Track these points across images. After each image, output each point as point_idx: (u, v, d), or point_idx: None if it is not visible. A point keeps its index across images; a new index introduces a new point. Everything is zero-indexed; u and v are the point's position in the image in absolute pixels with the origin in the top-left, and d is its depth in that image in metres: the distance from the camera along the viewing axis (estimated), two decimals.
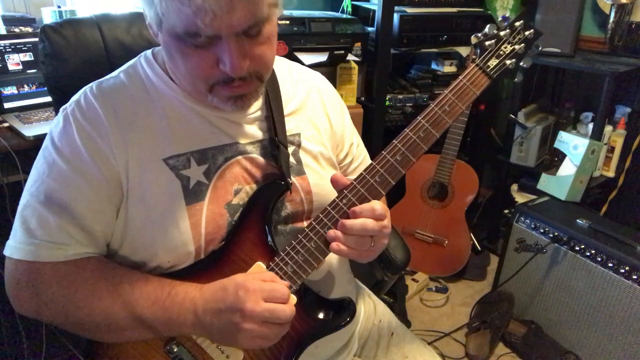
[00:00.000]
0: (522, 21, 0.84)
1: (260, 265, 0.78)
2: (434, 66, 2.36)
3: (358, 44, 1.93)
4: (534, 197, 2.08)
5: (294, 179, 0.86)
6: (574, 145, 1.97)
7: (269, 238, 0.80)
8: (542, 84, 2.42)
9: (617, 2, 2.00)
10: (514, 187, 2.31)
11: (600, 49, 2.18)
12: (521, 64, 0.84)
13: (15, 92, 1.58)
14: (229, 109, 0.77)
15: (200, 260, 0.79)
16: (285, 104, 0.88)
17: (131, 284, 0.74)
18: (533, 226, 1.90)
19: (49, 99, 1.59)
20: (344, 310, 0.82)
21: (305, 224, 0.88)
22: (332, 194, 0.82)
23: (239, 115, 0.83)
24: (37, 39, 1.56)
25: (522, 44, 0.83)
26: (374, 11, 1.99)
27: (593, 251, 1.69)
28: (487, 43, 0.82)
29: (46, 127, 1.42)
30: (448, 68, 2.30)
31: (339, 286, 0.92)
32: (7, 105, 1.55)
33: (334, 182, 0.80)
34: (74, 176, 0.74)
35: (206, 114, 0.80)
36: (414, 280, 2.20)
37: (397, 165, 0.78)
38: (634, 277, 1.58)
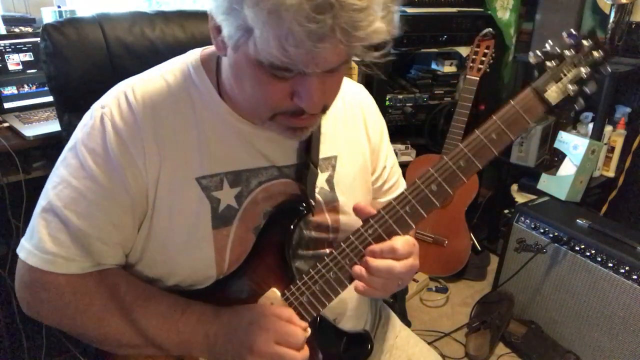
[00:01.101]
0: (590, 41, 0.71)
1: (274, 292, 0.75)
2: (434, 66, 2.36)
3: None
4: (534, 197, 2.08)
5: (323, 206, 0.81)
6: (574, 145, 1.97)
7: (289, 264, 0.76)
8: None
9: (617, 2, 2.00)
10: (514, 187, 2.31)
11: None
12: (585, 89, 0.72)
13: (15, 92, 1.58)
14: (285, 137, 0.72)
15: (217, 280, 0.76)
16: (324, 120, 0.81)
17: (146, 300, 0.72)
18: (533, 226, 1.90)
19: (49, 99, 1.60)
20: (360, 345, 0.79)
21: (327, 250, 0.83)
22: (360, 223, 0.78)
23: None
24: (37, 39, 1.56)
25: (588, 68, 0.70)
26: None
27: (593, 251, 1.69)
28: (548, 64, 0.70)
29: (46, 127, 1.43)
30: (448, 68, 2.30)
31: (353, 303, 0.89)
32: (7, 105, 1.55)
33: (357, 211, 0.73)
34: (101, 184, 0.69)
35: (247, 132, 0.75)
36: (414, 280, 2.20)
37: (430, 196, 0.70)
38: (634, 277, 1.58)
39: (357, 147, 0.87)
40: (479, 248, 2.36)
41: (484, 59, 1.94)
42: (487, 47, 1.95)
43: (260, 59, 0.57)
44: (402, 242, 0.71)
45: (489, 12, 2.24)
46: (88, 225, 0.70)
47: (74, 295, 0.71)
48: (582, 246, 1.72)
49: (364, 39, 0.55)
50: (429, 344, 1.90)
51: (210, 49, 0.77)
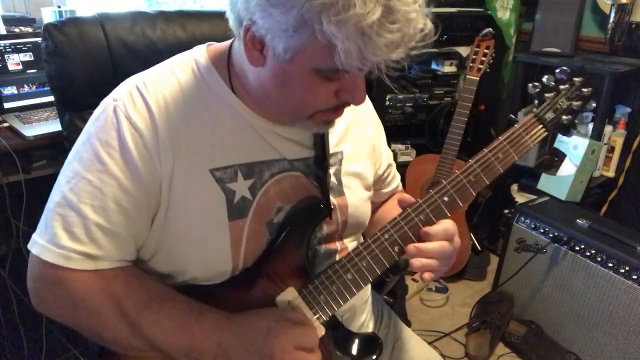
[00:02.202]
0: (582, 78, 0.85)
1: (292, 291, 0.75)
2: (434, 66, 2.36)
3: None
4: (534, 197, 2.08)
5: (333, 200, 0.83)
6: (574, 145, 1.97)
7: (306, 263, 0.77)
8: None
9: (617, 2, 2.00)
10: (514, 187, 2.31)
11: (600, 49, 2.18)
12: (576, 121, 0.85)
13: (15, 92, 1.57)
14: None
15: (233, 276, 0.76)
16: None
17: (161, 302, 0.72)
18: (533, 226, 1.90)
19: (49, 99, 1.60)
20: (370, 348, 0.81)
21: (337, 244, 0.86)
22: (366, 217, 0.84)
23: (290, 131, 0.79)
24: (37, 39, 1.57)
25: (579, 101, 0.84)
26: None
27: (593, 251, 1.70)
28: (546, 95, 0.83)
29: (46, 127, 1.43)
30: (448, 68, 2.30)
31: (360, 301, 0.91)
32: (7, 105, 1.55)
33: (400, 202, 0.79)
34: (116, 176, 0.69)
35: (258, 126, 0.76)
36: (414, 280, 2.20)
37: (443, 207, 0.77)
38: (634, 277, 1.58)
39: (360, 142, 0.90)
40: (479, 248, 2.36)
41: (484, 59, 1.94)
42: (487, 47, 1.95)
43: (318, 67, 0.62)
44: (450, 222, 0.78)
45: (489, 12, 2.24)
46: (103, 219, 0.69)
47: (87, 293, 0.70)
48: (582, 246, 1.73)
49: (419, 38, 0.63)
50: (429, 344, 1.90)
51: (216, 46, 0.79)
